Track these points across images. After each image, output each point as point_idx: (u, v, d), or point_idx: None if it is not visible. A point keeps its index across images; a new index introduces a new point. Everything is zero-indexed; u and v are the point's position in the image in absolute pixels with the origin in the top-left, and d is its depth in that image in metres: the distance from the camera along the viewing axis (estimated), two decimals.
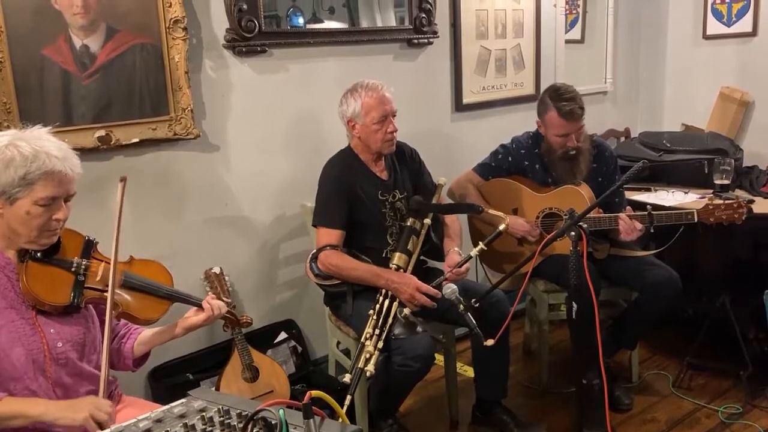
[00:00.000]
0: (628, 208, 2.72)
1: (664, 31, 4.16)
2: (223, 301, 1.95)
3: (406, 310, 2.29)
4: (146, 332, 1.88)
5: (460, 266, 2.39)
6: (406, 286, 2.32)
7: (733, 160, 3.21)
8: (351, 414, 2.48)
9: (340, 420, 1.33)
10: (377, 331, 2.27)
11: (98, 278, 1.68)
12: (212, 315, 1.86)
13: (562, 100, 2.70)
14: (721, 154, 3.30)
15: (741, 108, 3.78)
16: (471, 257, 2.38)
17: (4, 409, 1.50)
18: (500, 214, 2.46)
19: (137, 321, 1.79)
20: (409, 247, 2.45)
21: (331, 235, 2.44)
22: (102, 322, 1.79)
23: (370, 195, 2.51)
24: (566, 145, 2.74)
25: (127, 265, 1.79)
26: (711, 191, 3.17)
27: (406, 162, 2.65)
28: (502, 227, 2.33)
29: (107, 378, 1.63)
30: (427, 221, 2.51)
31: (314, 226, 2.52)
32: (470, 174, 2.94)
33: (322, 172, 2.54)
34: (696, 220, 2.52)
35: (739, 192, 3.19)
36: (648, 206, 2.62)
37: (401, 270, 2.41)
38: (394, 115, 2.49)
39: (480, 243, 2.34)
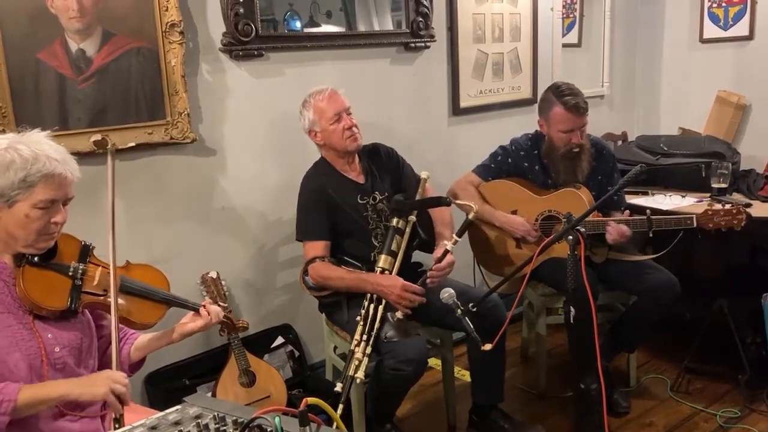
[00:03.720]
0: (626, 211, 2.70)
1: (661, 34, 4.17)
2: (219, 306, 1.94)
3: (398, 313, 2.28)
4: (143, 337, 1.87)
5: (440, 261, 2.39)
6: (392, 287, 2.33)
7: (730, 164, 3.21)
8: (348, 419, 2.48)
9: (336, 426, 1.32)
10: (365, 337, 2.27)
11: (95, 282, 1.68)
12: (210, 321, 1.86)
13: (566, 95, 2.71)
14: (719, 157, 3.30)
15: (738, 112, 3.78)
16: (448, 251, 2.39)
17: (26, 396, 1.49)
18: (468, 202, 2.47)
19: (134, 325, 1.78)
20: (393, 248, 2.44)
21: (317, 247, 2.45)
22: (98, 327, 1.79)
23: (349, 201, 2.51)
24: (570, 141, 2.73)
25: (123, 269, 1.78)
26: (708, 195, 3.17)
27: (383, 162, 2.64)
28: (471, 216, 2.35)
29: (119, 356, 1.65)
30: (412, 218, 2.50)
31: (298, 240, 2.53)
32: (470, 175, 2.94)
33: (300, 187, 2.55)
34: (695, 225, 2.51)
35: (736, 195, 3.19)
36: (647, 210, 2.62)
37: (386, 272, 2.40)
38: (349, 113, 2.50)
39: (453, 236, 2.34)
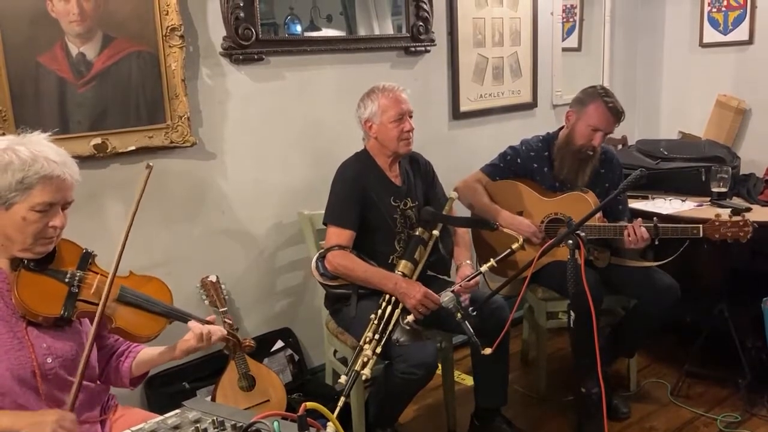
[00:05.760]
0: (639, 219, 2.69)
1: (661, 38, 4.18)
2: (226, 322, 1.89)
3: (410, 318, 2.28)
4: (146, 351, 1.81)
5: (470, 280, 2.39)
6: (413, 292, 2.32)
7: (730, 168, 3.21)
8: (348, 424, 2.47)
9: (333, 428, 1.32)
10: (377, 336, 2.26)
11: (92, 291, 1.62)
12: (203, 345, 1.77)
13: (610, 98, 2.73)
14: (719, 161, 3.30)
15: (738, 116, 3.78)
16: (481, 272, 2.37)
17: None
18: (514, 232, 2.46)
19: (133, 338, 1.73)
20: (415, 256, 2.45)
21: (342, 236, 2.45)
22: (101, 337, 1.76)
23: (382, 199, 2.52)
24: (590, 141, 2.74)
25: (125, 279, 1.73)
26: (708, 199, 3.17)
27: (420, 172, 2.67)
28: (515, 246, 2.33)
29: (78, 391, 1.55)
30: (436, 232, 2.51)
31: (325, 224, 2.53)
32: (478, 174, 2.93)
33: (337, 172, 2.55)
34: (701, 235, 2.51)
35: (736, 200, 3.19)
36: (654, 218, 2.61)
37: (405, 277, 2.40)
38: (411, 116, 2.52)
39: (491, 260, 2.33)
